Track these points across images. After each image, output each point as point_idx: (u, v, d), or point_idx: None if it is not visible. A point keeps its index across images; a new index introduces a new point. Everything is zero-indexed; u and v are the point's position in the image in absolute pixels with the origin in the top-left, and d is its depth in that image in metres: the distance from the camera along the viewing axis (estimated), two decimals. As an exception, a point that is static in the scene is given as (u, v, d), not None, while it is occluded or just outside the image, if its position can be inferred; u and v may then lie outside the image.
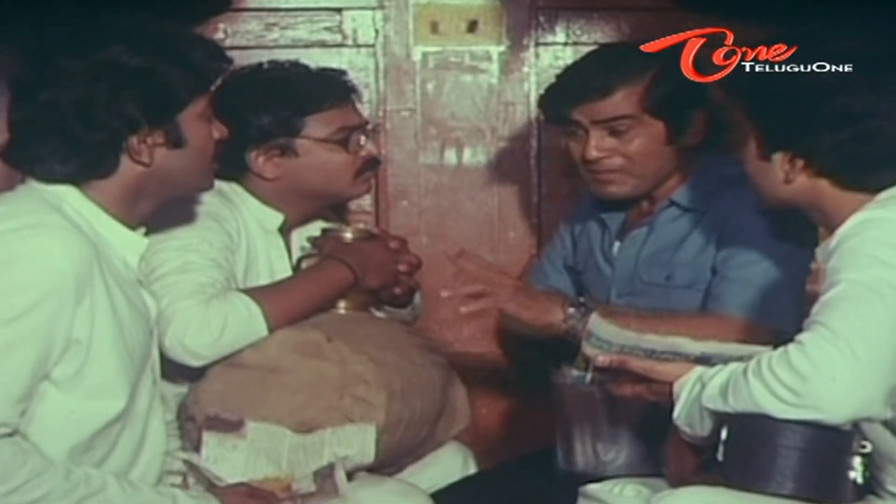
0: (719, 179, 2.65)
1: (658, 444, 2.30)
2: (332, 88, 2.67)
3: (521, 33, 3.19)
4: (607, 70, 2.66)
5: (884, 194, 2.12)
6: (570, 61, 2.95)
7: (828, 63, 2.14)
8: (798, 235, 2.50)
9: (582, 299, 2.60)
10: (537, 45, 3.18)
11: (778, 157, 2.19)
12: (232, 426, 2.39)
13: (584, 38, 3.19)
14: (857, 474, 1.99)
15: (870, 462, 2.00)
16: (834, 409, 1.92)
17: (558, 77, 2.76)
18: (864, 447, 2.00)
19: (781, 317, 2.46)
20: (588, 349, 2.16)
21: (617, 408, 2.46)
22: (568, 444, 2.54)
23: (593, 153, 2.65)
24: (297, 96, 2.63)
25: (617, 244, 2.76)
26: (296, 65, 2.71)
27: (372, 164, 2.71)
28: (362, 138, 2.68)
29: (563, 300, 2.57)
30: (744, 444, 1.97)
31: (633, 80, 2.63)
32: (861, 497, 2.04)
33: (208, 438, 2.38)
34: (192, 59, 2.26)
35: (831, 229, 2.11)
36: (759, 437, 1.96)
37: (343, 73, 2.73)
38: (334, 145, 2.65)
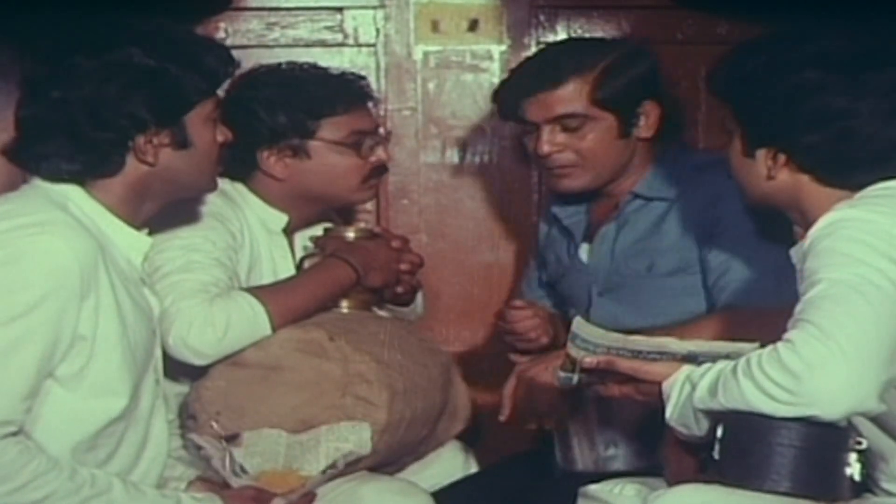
0: (677, 167, 2.69)
1: (658, 437, 2.31)
2: (349, 92, 2.67)
3: (522, 32, 3.20)
4: (558, 62, 2.69)
5: (857, 194, 2.14)
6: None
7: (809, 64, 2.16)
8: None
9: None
10: (538, 43, 3.18)
11: (761, 154, 2.21)
12: (228, 439, 2.41)
13: (584, 37, 3.19)
14: (854, 471, 1.99)
15: (865, 459, 2.02)
16: (829, 405, 1.92)
17: (511, 72, 2.79)
18: (860, 444, 2.00)
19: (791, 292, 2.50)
20: (574, 351, 2.16)
21: (611, 404, 2.46)
22: (566, 445, 2.54)
23: (545, 148, 2.66)
24: (313, 98, 2.63)
25: (585, 246, 2.76)
26: (314, 67, 2.71)
27: (380, 171, 2.72)
28: (373, 144, 2.68)
29: None
30: (739, 441, 1.97)
31: (583, 71, 2.65)
32: (858, 494, 2.04)
33: (204, 443, 2.40)
34: (204, 63, 2.28)
35: (808, 228, 2.12)
36: (755, 434, 1.96)
37: (361, 77, 2.73)
38: (346, 149, 2.65)
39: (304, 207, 2.69)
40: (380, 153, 2.69)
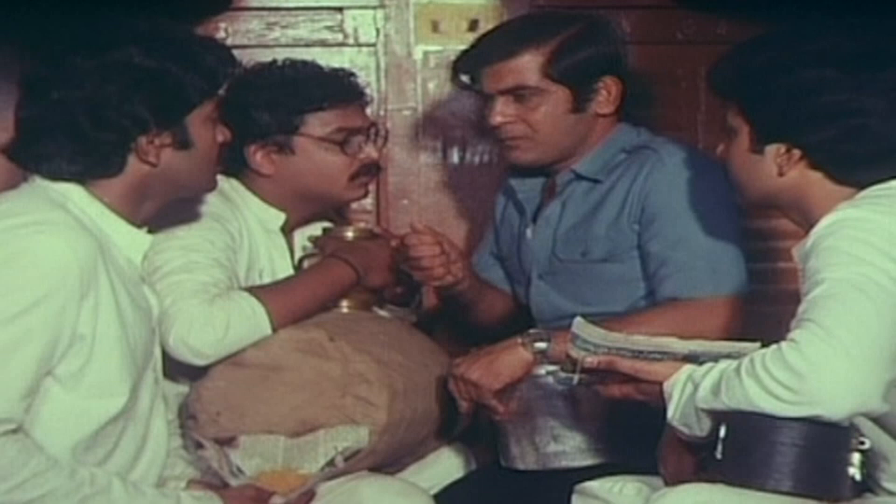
0: (613, 148, 2.67)
1: (605, 430, 2.36)
2: (336, 89, 2.66)
3: (522, 32, 3.20)
4: (515, 34, 2.69)
5: (859, 194, 2.14)
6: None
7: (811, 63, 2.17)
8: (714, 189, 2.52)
9: None
10: (538, 43, 3.18)
11: (772, 150, 2.20)
12: (224, 442, 2.41)
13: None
14: (855, 471, 2.00)
15: (867, 459, 2.02)
16: (833, 404, 1.93)
17: (471, 43, 2.77)
18: (862, 443, 2.00)
19: (732, 280, 2.52)
20: (574, 351, 2.16)
21: (552, 401, 2.46)
22: (504, 443, 2.53)
23: (497, 118, 2.66)
24: (298, 94, 2.63)
25: (532, 225, 2.75)
26: (307, 64, 2.70)
27: (370, 169, 2.71)
28: (363, 141, 2.68)
29: None
30: (742, 441, 1.97)
31: (539, 43, 2.63)
32: (859, 494, 2.04)
33: (205, 442, 2.41)
34: (204, 63, 2.28)
35: (809, 228, 2.12)
36: (757, 434, 1.96)
37: (351, 74, 2.72)
38: (331, 145, 2.64)
39: (301, 206, 2.69)
40: (369, 151, 2.68)
